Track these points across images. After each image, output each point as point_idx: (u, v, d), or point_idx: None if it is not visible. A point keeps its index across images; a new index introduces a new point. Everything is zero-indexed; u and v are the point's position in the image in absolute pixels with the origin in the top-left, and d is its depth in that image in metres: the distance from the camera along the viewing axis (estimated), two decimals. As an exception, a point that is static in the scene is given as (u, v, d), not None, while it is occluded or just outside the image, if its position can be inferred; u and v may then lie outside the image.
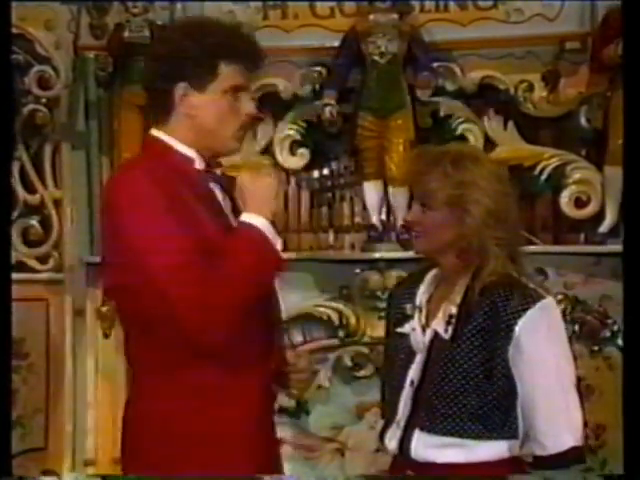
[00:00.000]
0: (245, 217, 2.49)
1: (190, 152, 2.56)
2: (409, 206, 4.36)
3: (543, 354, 2.48)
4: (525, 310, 2.46)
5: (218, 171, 2.62)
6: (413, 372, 2.55)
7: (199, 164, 2.56)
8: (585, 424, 4.32)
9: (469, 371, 2.47)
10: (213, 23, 2.61)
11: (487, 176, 2.52)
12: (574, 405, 2.50)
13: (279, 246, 2.53)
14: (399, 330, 2.61)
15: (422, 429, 2.51)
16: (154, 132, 2.59)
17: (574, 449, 2.48)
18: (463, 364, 2.47)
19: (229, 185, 2.60)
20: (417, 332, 2.57)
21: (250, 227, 2.48)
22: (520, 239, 2.62)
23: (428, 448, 2.50)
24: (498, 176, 2.55)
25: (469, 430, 2.48)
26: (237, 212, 2.57)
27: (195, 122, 2.53)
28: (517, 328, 2.46)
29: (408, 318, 2.60)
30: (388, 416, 2.60)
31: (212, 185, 2.58)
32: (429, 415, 2.50)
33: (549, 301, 2.52)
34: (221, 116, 2.54)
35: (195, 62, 2.50)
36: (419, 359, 2.55)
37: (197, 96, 2.52)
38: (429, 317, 2.56)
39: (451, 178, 2.50)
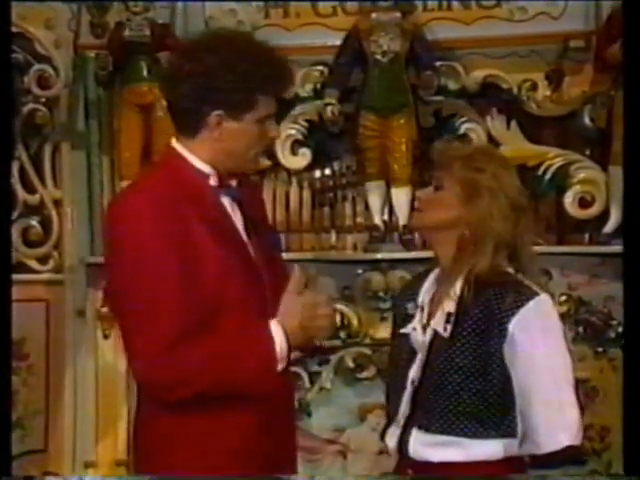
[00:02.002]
0: (273, 326, 2.53)
1: (207, 168, 2.60)
2: (411, 207, 4.40)
3: (537, 352, 2.50)
4: (518, 308, 2.49)
5: (234, 182, 2.63)
6: (414, 372, 2.61)
7: (214, 180, 2.59)
8: (589, 426, 4.36)
9: (465, 369, 2.51)
10: (247, 46, 2.60)
11: (509, 181, 2.56)
12: (570, 403, 2.51)
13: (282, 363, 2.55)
14: (402, 330, 2.66)
15: (420, 427, 2.55)
16: (175, 145, 2.63)
17: (570, 448, 2.49)
18: (459, 362, 2.51)
19: (243, 197, 2.62)
20: (418, 331, 2.61)
21: (268, 339, 2.52)
22: (528, 246, 2.61)
23: (425, 447, 2.54)
24: (520, 190, 2.58)
25: (465, 429, 2.52)
26: (249, 226, 2.61)
27: (223, 146, 2.57)
28: (510, 326, 2.49)
29: (410, 318, 2.64)
30: (391, 416, 2.66)
31: (224, 200, 2.61)
32: (427, 414, 2.55)
33: (543, 298, 2.54)
34: (250, 142, 2.59)
35: (233, 93, 2.53)
36: (419, 358, 2.59)
37: (231, 124, 2.56)
38: (430, 316, 2.58)
39: (475, 163, 2.54)
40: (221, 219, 2.58)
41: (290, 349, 2.53)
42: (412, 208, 4.39)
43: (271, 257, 2.70)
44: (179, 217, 2.50)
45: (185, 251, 2.49)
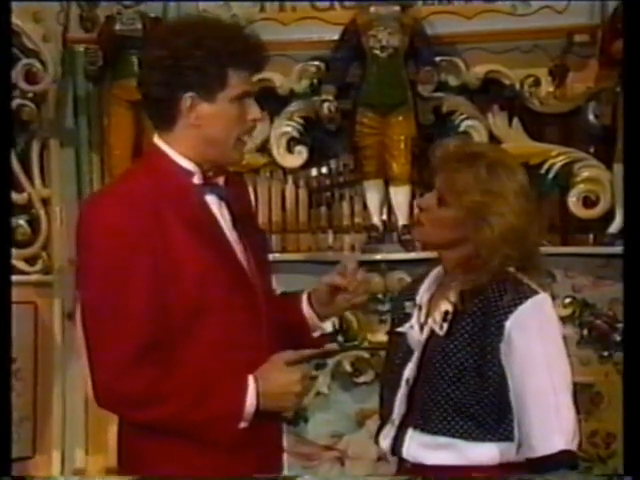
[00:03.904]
0: (251, 383, 2.52)
1: (190, 166, 2.57)
2: (410, 206, 4.41)
3: (534, 351, 2.50)
4: (516, 306, 2.50)
5: (221, 180, 2.61)
6: (409, 370, 2.60)
7: (198, 178, 2.56)
8: (594, 432, 4.36)
9: (461, 368, 2.51)
10: (215, 25, 2.59)
11: (517, 190, 2.54)
12: (566, 406, 2.51)
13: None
14: (399, 329, 2.66)
15: (415, 428, 2.55)
16: (156, 140, 2.61)
17: (564, 452, 2.48)
18: (456, 361, 2.51)
19: (231, 196, 2.61)
20: (415, 330, 2.62)
21: (241, 395, 2.51)
22: (536, 252, 2.62)
23: (420, 448, 2.55)
24: (526, 192, 2.58)
25: (461, 429, 2.51)
26: (238, 226, 2.59)
27: (201, 131, 2.54)
28: (507, 324, 2.49)
29: (408, 317, 2.64)
30: (385, 416, 2.64)
31: (210, 199, 2.58)
32: (423, 413, 2.55)
33: (542, 297, 2.54)
34: (228, 125, 2.56)
35: (203, 71, 2.50)
36: (415, 357, 2.60)
37: (205, 106, 2.53)
38: (428, 315, 2.59)
39: (481, 184, 2.52)
40: (204, 219, 2.56)
41: (257, 411, 2.52)
42: (411, 207, 4.44)
43: (261, 258, 2.69)
44: (156, 219, 2.48)
45: (161, 255, 2.46)
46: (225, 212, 2.61)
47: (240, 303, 2.56)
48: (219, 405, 2.50)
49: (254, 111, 2.60)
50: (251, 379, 2.52)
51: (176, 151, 2.56)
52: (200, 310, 2.50)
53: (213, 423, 2.50)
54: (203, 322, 2.51)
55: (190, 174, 2.57)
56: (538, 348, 2.50)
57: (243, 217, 2.66)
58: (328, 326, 2.82)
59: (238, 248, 2.60)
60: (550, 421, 2.48)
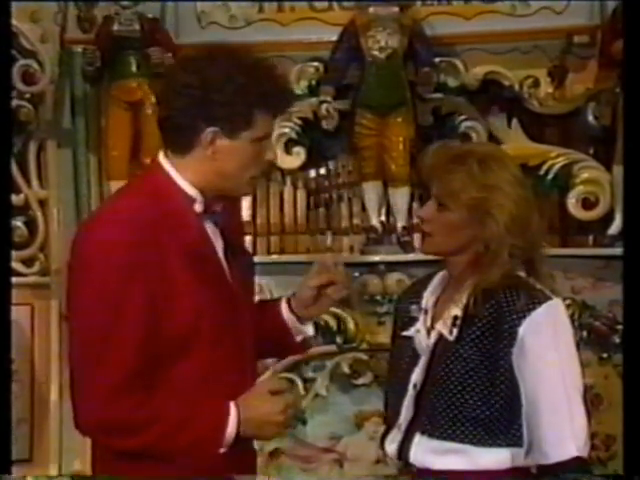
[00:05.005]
0: (232, 410, 2.51)
1: (193, 192, 2.53)
2: (409, 207, 4.42)
3: (547, 358, 2.50)
4: (530, 311, 2.49)
5: (219, 207, 2.59)
6: (416, 375, 2.59)
7: (199, 206, 2.54)
8: (594, 434, 4.36)
9: (472, 373, 2.50)
10: (248, 60, 2.53)
11: (512, 180, 2.54)
12: (579, 413, 2.51)
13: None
14: (404, 333, 2.65)
15: (423, 433, 2.55)
16: (162, 160, 2.55)
17: (577, 459, 2.49)
18: (466, 366, 2.51)
19: (225, 223, 2.59)
20: (422, 334, 2.61)
21: (222, 420, 2.50)
22: (540, 245, 2.63)
23: (427, 453, 2.54)
24: (521, 181, 2.58)
25: (470, 435, 2.51)
26: (228, 251, 2.59)
27: (215, 164, 2.49)
28: (521, 329, 2.49)
29: (413, 321, 2.64)
30: (390, 421, 2.64)
31: (208, 226, 2.56)
32: (430, 419, 2.54)
33: (556, 302, 2.54)
34: (245, 163, 2.51)
35: (230, 108, 2.45)
36: (422, 361, 2.59)
37: (226, 142, 2.48)
38: (435, 319, 2.59)
39: (476, 180, 2.52)
40: (203, 249, 2.53)
41: (237, 437, 2.50)
42: (410, 209, 4.46)
43: (247, 281, 2.67)
44: (155, 247, 2.44)
45: (157, 285, 2.44)
46: (219, 239, 2.58)
47: (229, 334, 2.54)
48: (200, 431, 2.48)
49: (271, 152, 2.59)
50: (232, 406, 2.50)
51: (182, 176, 2.52)
52: (190, 340, 2.48)
53: (193, 449, 2.48)
54: (191, 352, 2.48)
55: (192, 201, 2.53)
56: (552, 353, 2.50)
57: (235, 243, 2.65)
58: (310, 329, 2.81)
59: (229, 275, 2.58)
60: (563, 427, 2.49)
